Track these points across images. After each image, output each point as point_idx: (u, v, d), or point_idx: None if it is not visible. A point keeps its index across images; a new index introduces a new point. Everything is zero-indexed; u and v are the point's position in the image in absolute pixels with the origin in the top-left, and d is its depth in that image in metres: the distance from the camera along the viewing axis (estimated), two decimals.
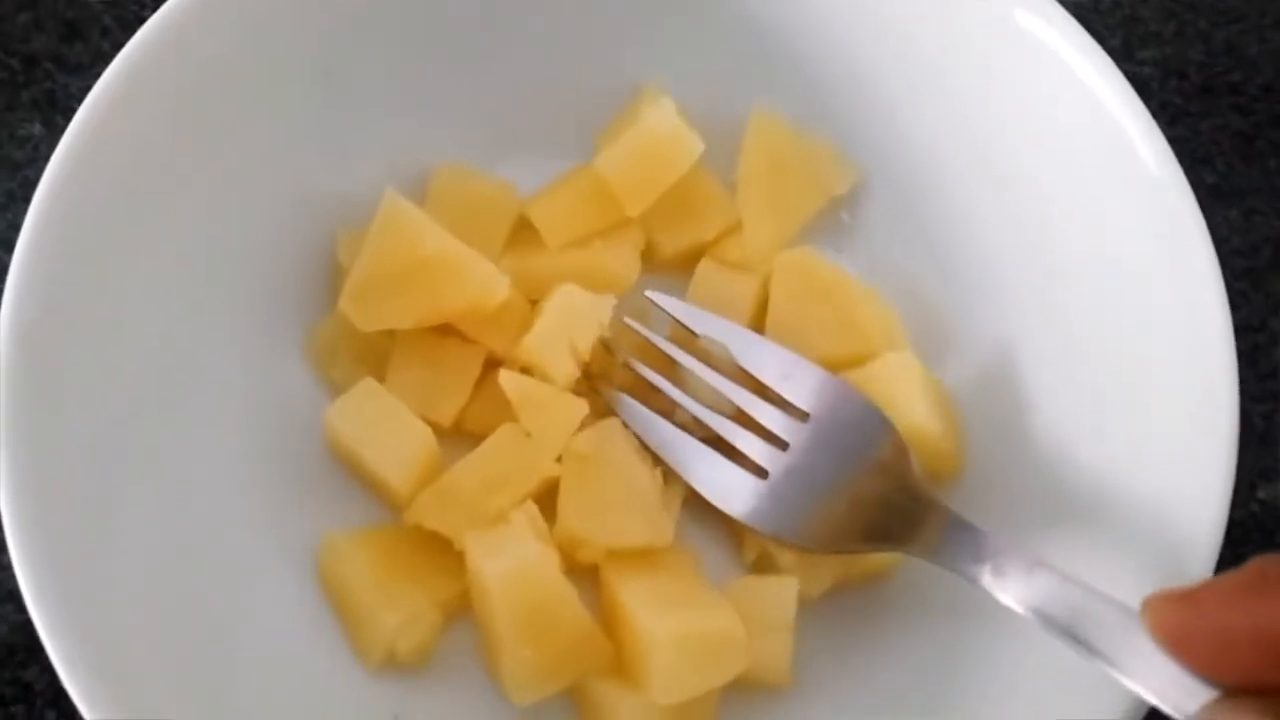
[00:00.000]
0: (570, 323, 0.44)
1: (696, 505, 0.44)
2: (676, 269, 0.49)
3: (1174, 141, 0.53)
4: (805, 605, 0.43)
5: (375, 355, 0.45)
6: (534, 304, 0.46)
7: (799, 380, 0.43)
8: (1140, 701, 0.29)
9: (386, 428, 0.43)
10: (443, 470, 0.44)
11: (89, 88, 0.52)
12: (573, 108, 0.49)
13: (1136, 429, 0.40)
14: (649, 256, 0.48)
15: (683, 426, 0.44)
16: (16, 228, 0.38)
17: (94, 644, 0.36)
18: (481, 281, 0.44)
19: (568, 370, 0.44)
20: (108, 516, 0.39)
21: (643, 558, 0.43)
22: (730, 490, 0.42)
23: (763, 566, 0.44)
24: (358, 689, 0.42)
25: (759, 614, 0.42)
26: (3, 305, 0.38)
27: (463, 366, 0.45)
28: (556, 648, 0.41)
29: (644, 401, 0.44)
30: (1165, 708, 0.26)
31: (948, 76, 0.45)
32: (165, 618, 0.39)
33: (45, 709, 0.45)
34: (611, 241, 0.47)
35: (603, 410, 0.45)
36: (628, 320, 0.46)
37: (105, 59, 0.52)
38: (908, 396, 0.44)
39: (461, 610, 0.44)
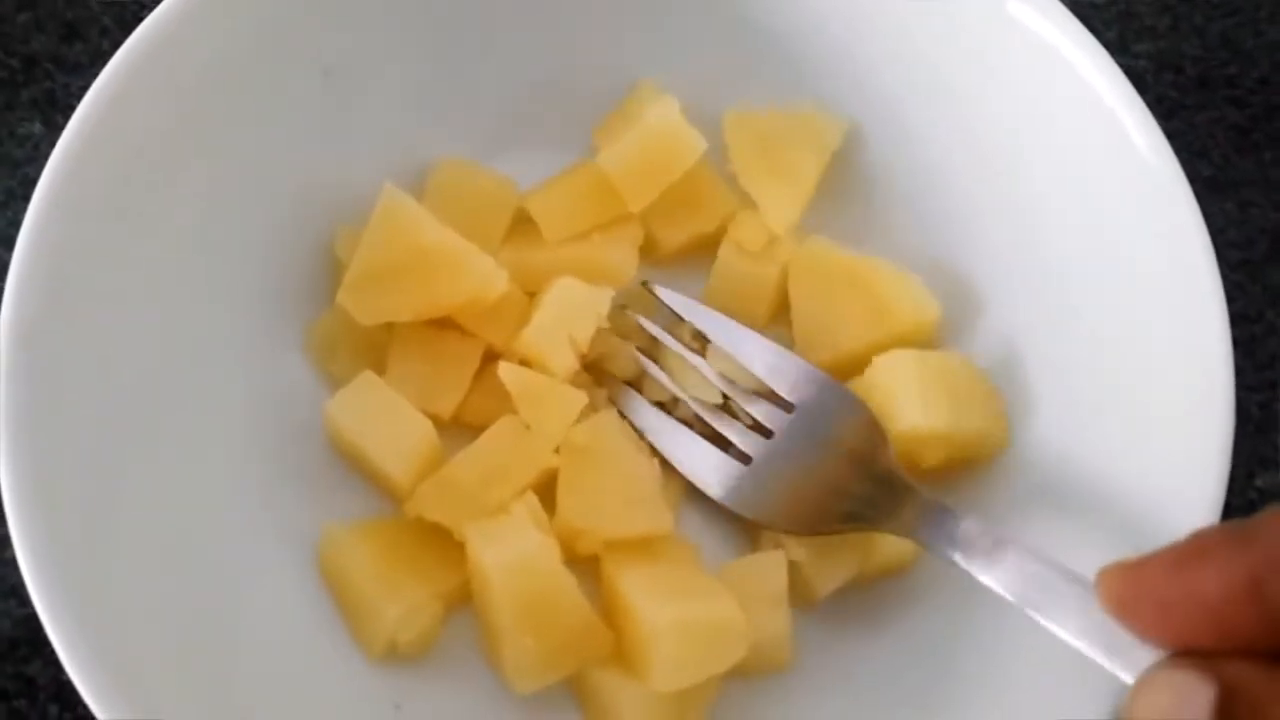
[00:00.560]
0: (568, 315, 0.45)
1: (696, 496, 0.44)
2: (676, 261, 0.49)
3: (1170, 135, 0.53)
4: (816, 602, 0.43)
5: (374, 349, 0.46)
6: (532, 297, 0.46)
7: (785, 373, 0.44)
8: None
9: (386, 420, 0.43)
10: (443, 462, 0.44)
11: (89, 87, 0.52)
12: (570, 103, 0.49)
13: (1134, 418, 0.41)
14: (649, 249, 0.48)
15: (671, 413, 0.45)
16: (17, 225, 0.38)
17: (98, 637, 0.36)
18: (480, 275, 0.44)
19: (566, 362, 0.44)
20: (109, 511, 0.39)
21: (642, 547, 0.43)
22: (713, 474, 0.44)
23: None
24: (359, 680, 0.42)
25: (752, 592, 0.42)
26: (3, 303, 0.38)
27: (461, 359, 0.46)
28: (557, 637, 0.41)
29: (635, 387, 0.46)
30: (1116, 670, 0.28)
31: (944, 72, 0.45)
32: (168, 610, 0.39)
33: (48, 703, 0.45)
34: (610, 235, 0.48)
35: (601, 402, 0.46)
36: (628, 311, 0.46)
37: (105, 58, 0.52)
38: (906, 393, 0.43)
39: (462, 601, 0.44)
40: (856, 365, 0.45)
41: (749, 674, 0.42)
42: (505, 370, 0.44)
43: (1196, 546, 0.25)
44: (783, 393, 0.44)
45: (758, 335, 0.45)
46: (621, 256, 0.47)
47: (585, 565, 0.43)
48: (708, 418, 0.44)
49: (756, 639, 0.41)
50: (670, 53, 0.48)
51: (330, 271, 0.47)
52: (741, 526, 0.46)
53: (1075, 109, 0.42)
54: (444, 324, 0.45)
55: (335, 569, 0.43)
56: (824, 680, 0.44)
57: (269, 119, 0.44)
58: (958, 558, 0.37)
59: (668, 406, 0.45)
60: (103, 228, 0.40)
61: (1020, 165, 0.45)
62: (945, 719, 0.41)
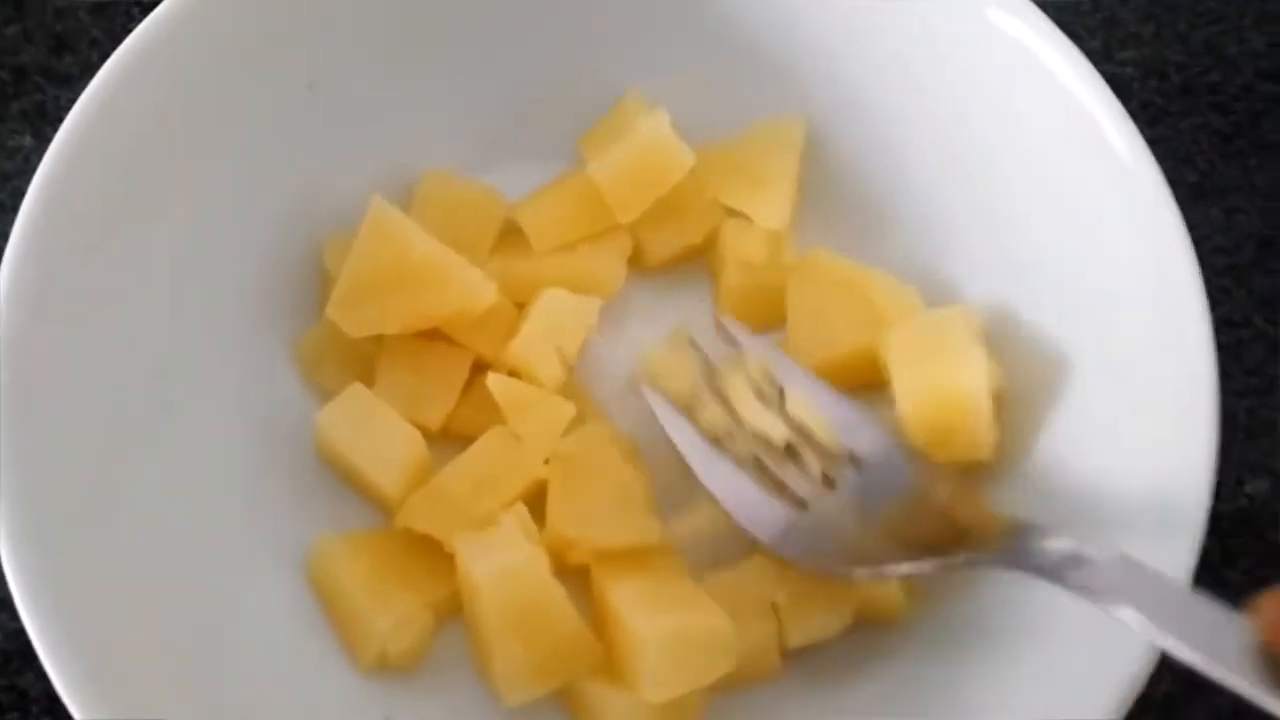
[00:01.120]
0: (557, 326, 0.45)
1: (684, 504, 0.45)
2: (663, 273, 0.49)
3: (1155, 141, 0.53)
4: (784, 650, 0.43)
5: (363, 361, 0.46)
6: (521, 307, 0.47)
7: (857, 430, 0.43)
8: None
9: (376, 432, 0.43)
10: (431, 473, 0.44)
11: (78, 99, 0.53)
12: (556, 114, 0.49)
13: (1117, 424, 0.41)
14: (636, 260, 0.49)
15: (728, 449, 0.44)
16: (6, 237, 0.39)
17: (87, 650, 0.36)
18: (468, 286, 0.44)
19: (555, 373, 0.45)
20: (99, 524, 0.39)
21: (631, 558, 0.43)
22: (765, 517, 0.42)
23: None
24: (350, 691, 0.42)
25: (740, 600, 0.42)
26: None
27: (450, 370, 0.46)
28: (547, 648, 0.41)
29: (691, 415, 0.45)
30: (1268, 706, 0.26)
31: (924, 78, 0.46)
32: (157, 622, 0.39)
33: (41, 715, 0.45)
34: (597, 246, 0.48)
35: (591, 411, 0.46)
36: (726, 330, 0.46)
37: (94, 70, 0.52)
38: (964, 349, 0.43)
39: (453, 612, 0.44)
40: (844, 368, 0.45)
41: (739, 683, 0.42)
42: (494, 381, 0.44)
43: None
44: (854, 449, 0.42)
45: (831, 390, 0.44)
46: (609, 267, 0.48)
47: (576, 576, 0.43)
48: (767, 461, 0.43)
49: (745, 646, 0.41)
50: (654, 63, 0.49)
51: (319, 283, 0.47)
52: (732, 535, 0.45)
53: (1052, 113, 0.42)
54: (432, 335, 0.45)
55: (325, 580, 0.43)
56: (816, 694, 0.43)
57: (255, 131, 0.44)
58: (1061, 582, 0.34)
59: (721, 441, 0.44)
60: (90, 240, 0.40)
61: (999, 170, 0.45)
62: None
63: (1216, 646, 0.28)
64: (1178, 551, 0.37)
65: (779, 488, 0.43)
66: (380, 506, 0.45)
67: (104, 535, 0.39)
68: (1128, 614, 0.31)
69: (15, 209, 0.39)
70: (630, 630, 0.40)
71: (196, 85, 0.42)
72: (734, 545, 0.44)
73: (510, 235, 0.48)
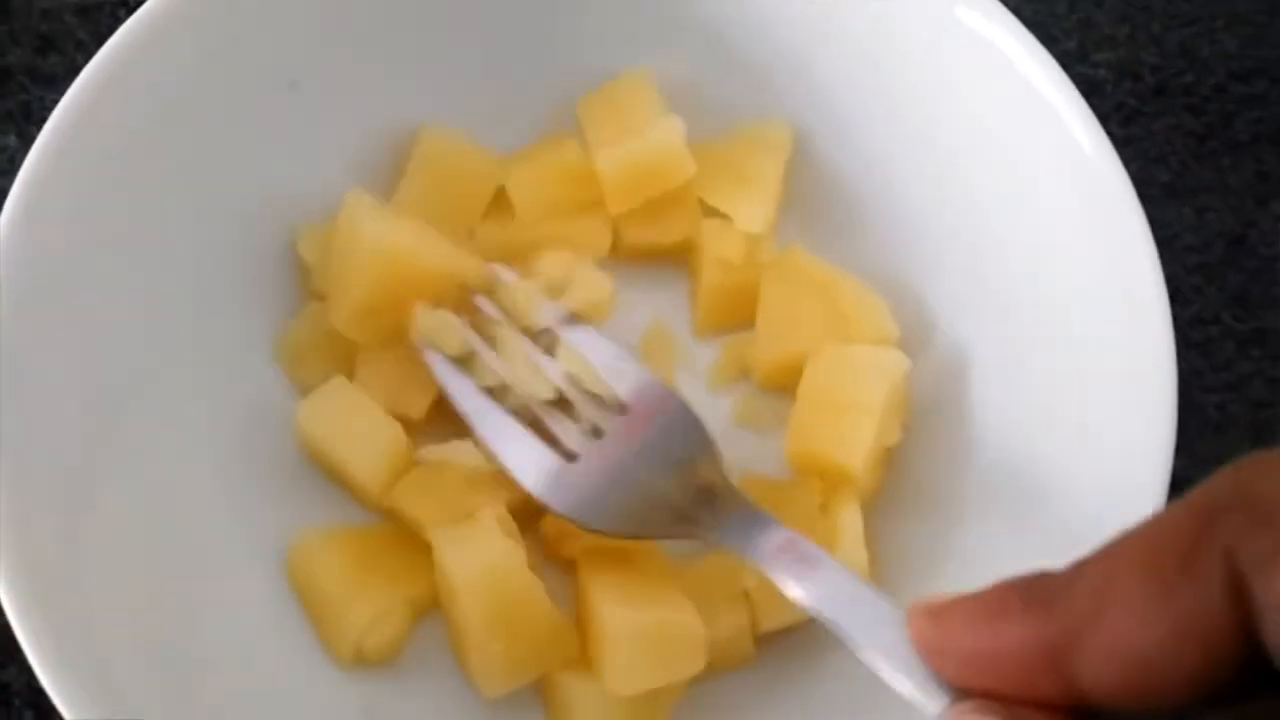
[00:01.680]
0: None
1: None
2: (638, 259, 0.50)
3: (1128, 141, 0.55)
4: (756, 634, 0.43)
5: (344, 354, 0.46)
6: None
7: (625, 376, 0.43)
8: None
9: (357, 425, 0.44)
10: (411, 466, 0.45)
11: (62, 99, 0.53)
12: (540, 106, 0.50)
13: (1082, 420, 0.41)
14: (612, 246, 0.49)
15: (500, 401, 0.44)
16: None
17: (70, 644, 0.36)
18: (472, 275, 0.45)
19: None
20: (79, 518, 0.39)
21: (618, 554, 0.43)
22: (534, 468, 0.42)
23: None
24: (330, 683, 0.43)
25: (713, 589, 0.43)
26: None
27: None
28: (525, 641, 0.41)
29: (466, 368, 0.44)
30: (920, 704, 0.27)
31: (892, 76, 0.46)
32: (138, 616, 0.39)
33: (24, 709, 0.45)
34: (585, 213, 0.48)
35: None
36: (475, 294, 0.46)
37: (79, 71, 0.53)
38: (874, 392, 0.44)
39: (431, 606, 0.44)
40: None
41: (712, 672, 0.43)
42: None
43: (998, 603, 0.25)
44: (620, 395, 0.43)
45: (604, 337, 0.45)
46: (596, 233, 0.48)
47: (567, 568, 0.44)
48: (538, 412, 0.43)
49: (719, 636, 0.42)
50: (634, 57, 0.49)
51: (296, 273, 0.47)
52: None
53: (1017, 110, 0.43)
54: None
55: (304, 574, 0.44)
56: (786, 671, 0.44)
57: (237, 129, 0.45)
58: (764, 565, 0.36)
59: (496, 394, 0.44)
60: (72, 238, 0.40)
61: (967, 170, 0.45)
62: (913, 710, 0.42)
63: (883, 641, 0.29)
64: None
65: (549, 439, 0.43)
66: (361, 499, 0.45)
67: (84, 530, 0.39)
68: (801, 595, 0.33)
69: (0, 208, 0.40)
70: (601, 622, 0.41)
71: (178, 85, 0.43)
72: None
73: (501, 198, 0.49)
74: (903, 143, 0.47)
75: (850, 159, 0.49)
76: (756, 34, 0.48)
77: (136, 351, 0.42)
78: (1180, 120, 0.56)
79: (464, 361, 0.45)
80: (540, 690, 0.43)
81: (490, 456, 0.43)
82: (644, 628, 0.41)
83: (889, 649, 0.28)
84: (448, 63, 0.49)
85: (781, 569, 0.35)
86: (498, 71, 0.50)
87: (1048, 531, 0.40)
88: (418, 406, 0.46)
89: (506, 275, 0.46)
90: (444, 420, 0.46)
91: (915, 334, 0.47)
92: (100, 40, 0.53)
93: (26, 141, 0.53)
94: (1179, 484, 0.39)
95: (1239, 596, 0.22)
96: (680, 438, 0.42)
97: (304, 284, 0.47)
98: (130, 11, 0.43)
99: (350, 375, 0.45)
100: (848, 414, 0.43)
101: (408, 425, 0.45)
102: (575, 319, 0.45)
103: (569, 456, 0.42)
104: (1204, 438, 0.50)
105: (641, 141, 0.47)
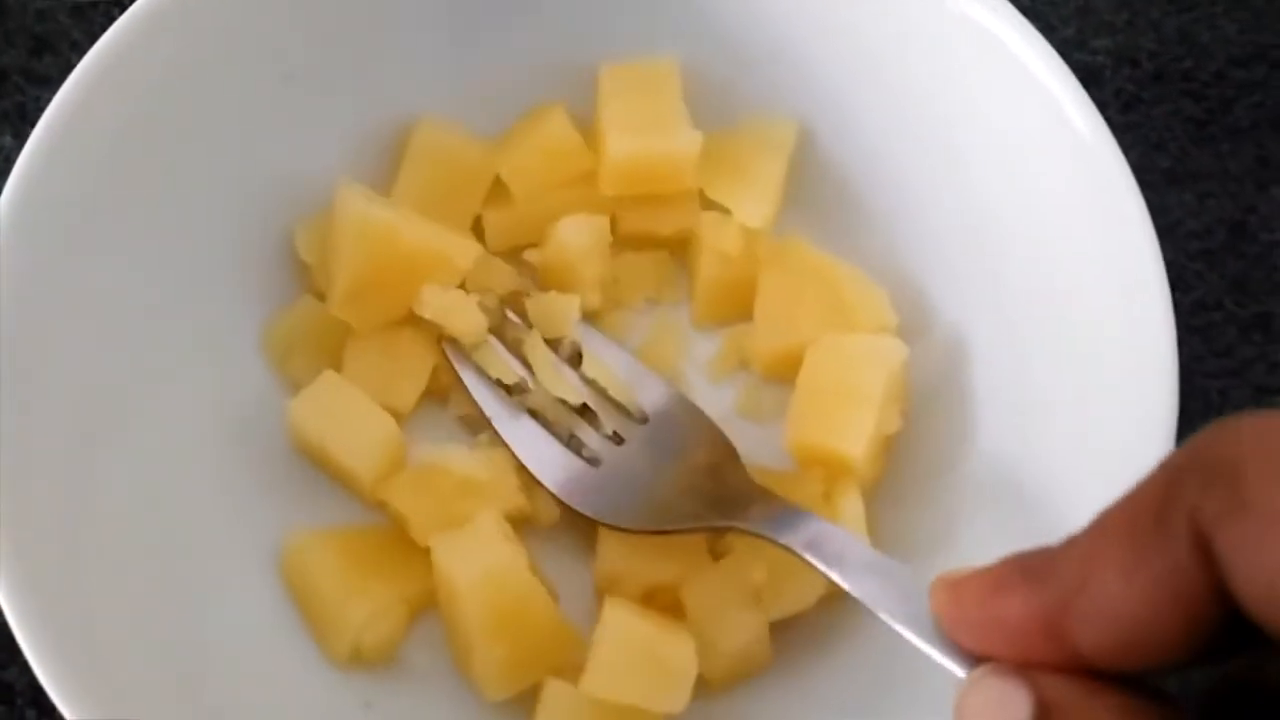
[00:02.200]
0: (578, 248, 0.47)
1: None
2: (630, 246, 0.50)
3: (1128, 128, 0.55)
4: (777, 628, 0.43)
5: (332, 348, 0.46)
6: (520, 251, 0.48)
7: (645, 388, 0.46)
8: None
9: (350, 419, 0.44)
10: (405, 459, 0.45)
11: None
12: (535, 99, 0.50)
13: (1082, 408, 0.41)
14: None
15: (519, 399, 0.46)
16: None
17: (69, 643, 0.36)
18: (461, 256, 0.45)
19: (593, 272, 0.47)
20: (76, 519, 0.39)
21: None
22: (559, 470, 0.44)
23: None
24: (329, 680, 0.43)
25: (724, 599, 0.42)
26: None
27: (419, 352, 0.46)
28: (527, 644, 0.41)
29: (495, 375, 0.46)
30: (950, 666, 0.29)
31: (891, 67, 0.46)
32: (136, 615, 0.39)
33: (26, 708, 0.45)
34: (584, 187, 0.49)
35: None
36: (506, 310, 0.47)
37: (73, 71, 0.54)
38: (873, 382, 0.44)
39: (427, 606, 0.44)
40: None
41: (733, 682, 0.42)
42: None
43: (1000, 577, 0.27)
44: (640, 404, 0.45)
45: (626, 353, 0.47)
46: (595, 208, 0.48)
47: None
48: (562, 416, 0.45)
49: (735, 643, 0.42)
50: (631, 48, 0.49)
51: (288, 267, 0.47)
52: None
53: (1019, 102, 0.43)
54: (400, 320, 0.46)
55: (299, 574, 0.44)
56: (795, 658, 0.44)
57: (232, 123, 0.45)
58: (802, 552, 0.37)
59: (514, 391, 0.46)
60: (67, 235, 0.40)
61: (967, 160, 0.45)
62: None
63: (912, 613, 0.31)
64: None
65: (572, 442, 0.45)
66: (355, 493, 0.45)
67: (83, 531, 0.39)
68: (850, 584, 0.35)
69: None
70: (602, 620, 0.41)
71: (171, 82, 0.43)
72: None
73: (500, 183, 0.49)
74: (903, 134, 0.47)
75: (851, 150, 0.49)
76: (757, 26, 0.48)
77: (133, 349, 0.42)
78: (1180, 106, 0.55)
79: (481, 354, 0.46)
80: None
81: (515, 459, 0.45)
82: (638, 639, 0.40)
83: (917, 621, 0.30)
84: (442, 51, 0.48)
85: (818, 557, 0.37)
86: (492, 60, 0.49)
87: (1049, 517, 0.40)
88: (406, 399, 0.46)
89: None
90: (432, 413, 0.46)
91: (915, 323, 0.47)
92: (94, 39, 0.53)
93: (23, 142, 0.52)
94: None
95: (1205, 552, 0.23)
96: (702, 446, 0.44)
97: (301, 280, 0.47)
98: (124, 10, 0.43)
99: (338, 369, 0.45)
100: (847, 403, 0.43)
101: (396, 418, 0.45)
102: (597, 330, 0.47)
103: (593, 462, 0.44)
104: (1206, 423, 0.49)
105: (658, 142, 0.47)
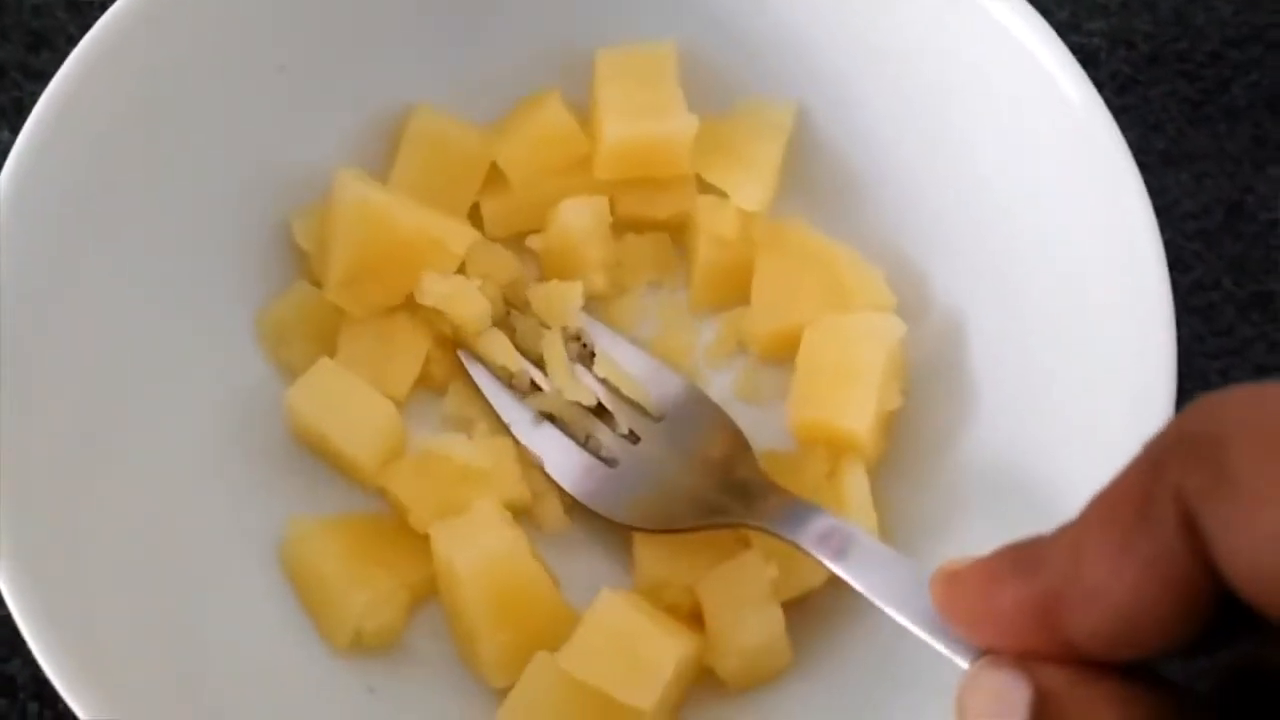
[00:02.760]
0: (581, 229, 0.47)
1: None
2: (623, 229, 0.50)
3: (1124, 109, 0.54)
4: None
5: (326, 335, 0.46)
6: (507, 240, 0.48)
7: (659, 384, 0.46)
8: None
9: (349, 405, 0.44)
10: (404, 445, 0.45)
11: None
12: (533, 85, 0.50)
13: (1078, 381, 0.41)
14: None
15: (544, 412, 0.46)
16: None
17: (72, 635, 0.36)
18: (457, 241, 0.45)
19: (597, 255, 0.47)
20: (77, 510, 0.39)
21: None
22: (577, 472, 0.45)
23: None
24: (332, 665, 0.43)
25: (739, 596, 0.42)
26: None
27: (412, 339, 0.46)
28: (530, 631, 0.41)
29: (506, 377, 0.46)
30: (953, 657, 0.29)
31: (890, 49, 0.46)
32: (138, 605, 0.39)
33: (28, 701, 0.45)
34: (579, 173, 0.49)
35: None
36: (512, 312, 0.48)
37: None
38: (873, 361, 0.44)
39: (427, 593, 0.44)
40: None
41: (753, 682, 0.42)
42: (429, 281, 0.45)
43: (994, 569, 0.26)
44: (654, 401, 0.45)
45: (637, 349, 0.47)
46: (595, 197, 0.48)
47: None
48: (580, 419, 0.45)
49: (752, 642, 0.41)
50: (629, 30, 0.48)
51: (287, 259, 0.47)
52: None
53: (1016, 81, 0.42)
54: (395, 306, 0.46)
55: (301, 561, 0.44)
56: (823, 678, 0.43)
57: (227, 114, 0.45)
58: (810, 548, 0.38)
59: (517, 382, 0.46)
60: (61, 227, 0.40)
61: (966, 140, 0.45)
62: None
63: (915, 607, 0.31)
64: None
65: (590, 443, 0.45)
66: (356, 480, 0.45)
67: (82, 521, 0.39)
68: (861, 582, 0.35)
69: None
70: (593, 606, 0.41)
71: (165, 72, 0.43)
72: None
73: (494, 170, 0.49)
74: (901, 115, 0.47)
75: (848, 131, 0.49)
76: (754, 8, 0.48)
77: (131, 339, 0.42)
78: (1176, 87, 0.55)
79: (485, 342, 0.46)
80: None
81: (516, 448, 0.45)
82: (624, 628, 0.40)
83: (922, 614, 0.31)
84: (436, 39, 0.48)
85: (826, 552, 0.37)
86: (487, 47, 0.49)
87: (1048, 495, 0.40)
88: (400, 386, 0.46)
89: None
90: (424, 402, 0.46)
91: (914, 303, 0.47)
92: None
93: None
94: None
95: (1193, 532, 0.22)
96: (716, 441, 0.44)
97: (299, 268, 0.47)
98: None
99: (332, 355, 0.45)
100: (848, 380, 0.43)
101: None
102: (603, 323, 0.47)
103: (610, 462, 0.44)
104: None
105: (654, 127, 0.47)
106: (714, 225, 0.48)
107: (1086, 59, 0.54)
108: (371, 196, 0.44)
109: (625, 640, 0.40)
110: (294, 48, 0.46)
